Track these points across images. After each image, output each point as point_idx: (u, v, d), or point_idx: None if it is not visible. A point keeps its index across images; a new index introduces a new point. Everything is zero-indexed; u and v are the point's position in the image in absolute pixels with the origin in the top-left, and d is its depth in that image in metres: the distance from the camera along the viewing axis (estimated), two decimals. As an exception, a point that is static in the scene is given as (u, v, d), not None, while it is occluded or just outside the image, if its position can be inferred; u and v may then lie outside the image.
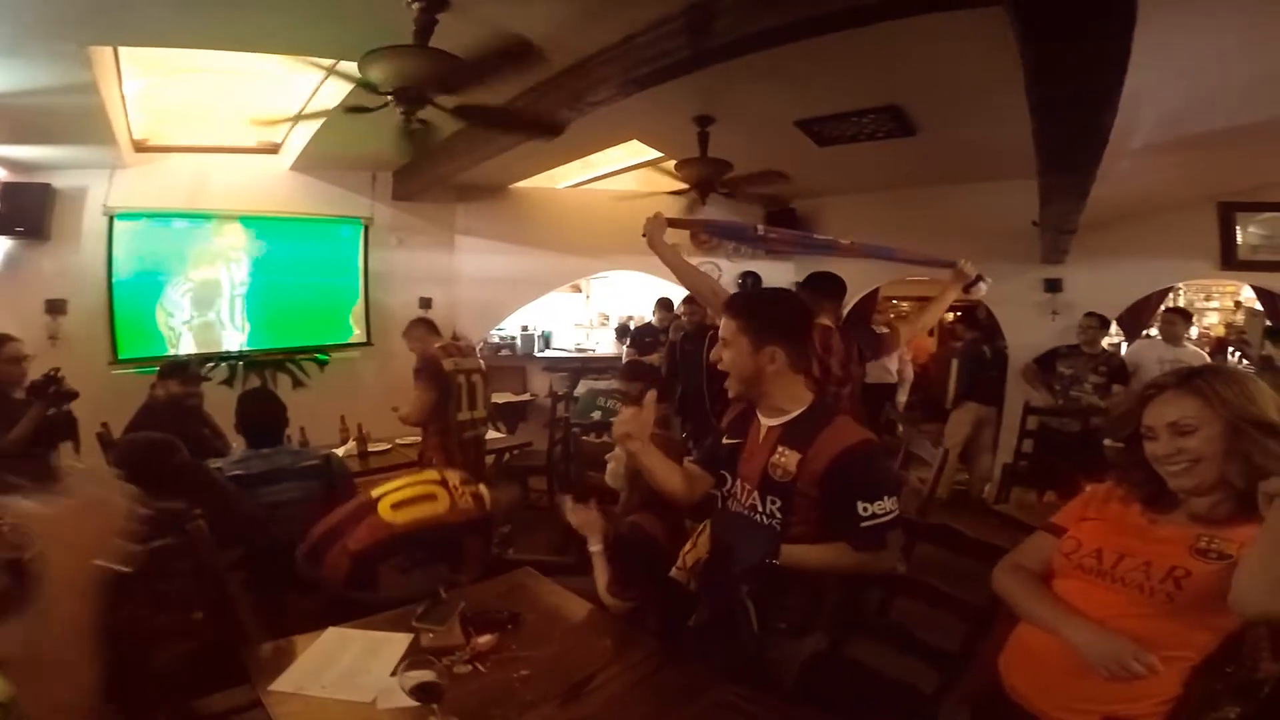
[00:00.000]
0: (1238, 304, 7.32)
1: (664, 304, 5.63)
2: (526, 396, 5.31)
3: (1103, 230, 4.91)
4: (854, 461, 1.49)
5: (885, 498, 1.48)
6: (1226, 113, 3.29)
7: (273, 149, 5.08)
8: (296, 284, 5.39)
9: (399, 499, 2.25)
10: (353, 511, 2.23)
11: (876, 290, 6.67)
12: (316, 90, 3.72)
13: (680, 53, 2.44)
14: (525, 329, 6.85)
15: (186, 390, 3.42)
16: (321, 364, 5.31)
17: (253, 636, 1.66)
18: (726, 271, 6.25)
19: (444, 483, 2.28)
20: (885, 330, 3.83)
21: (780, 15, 2.17)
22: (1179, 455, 1.16)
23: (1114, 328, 5.55)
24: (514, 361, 6.26)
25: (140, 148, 4.57)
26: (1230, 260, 5.11)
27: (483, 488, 2.36)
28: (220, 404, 3.54)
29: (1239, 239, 5.15)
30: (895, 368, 6.04)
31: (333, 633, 1.61)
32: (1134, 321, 5.59)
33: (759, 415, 1.62)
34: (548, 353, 6.75)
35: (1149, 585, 1.21)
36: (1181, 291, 7.56)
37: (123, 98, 3.79)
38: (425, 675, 1.20)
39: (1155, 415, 1.20)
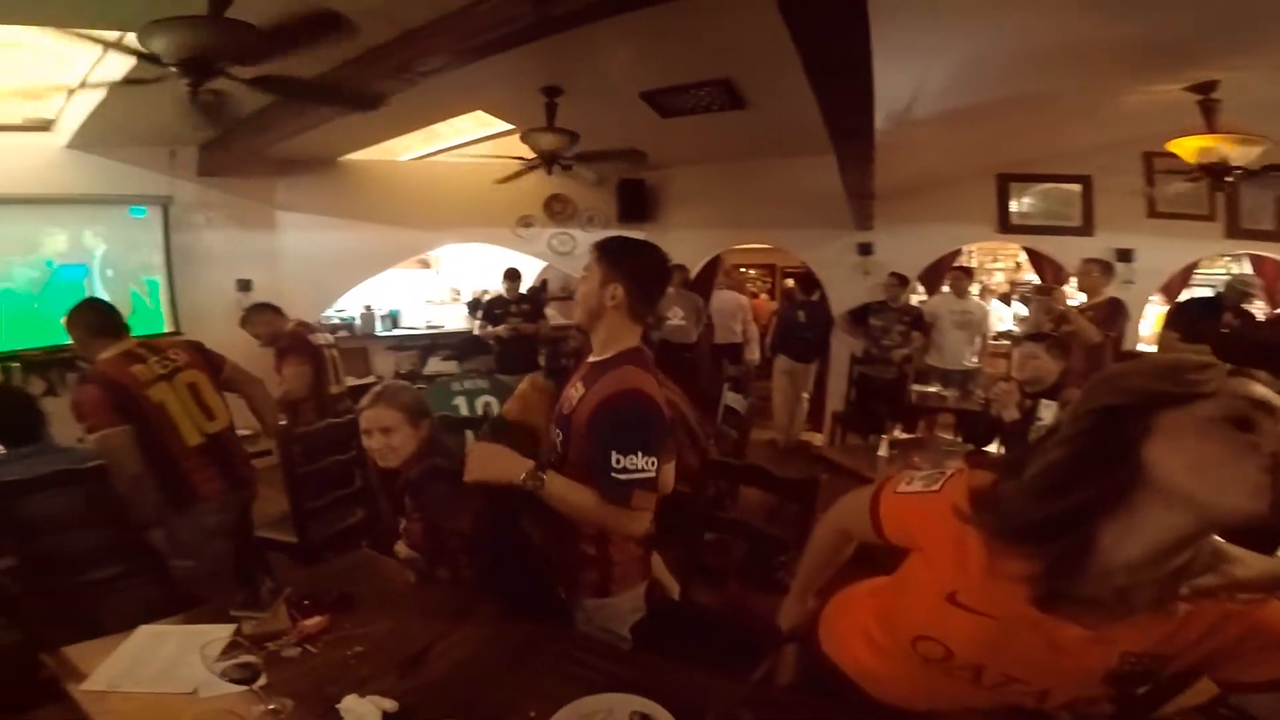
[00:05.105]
0: (1018, 264, 8.52)
1: (511, 274, 5.53)
2: (371, 379, 5.03)
3: (903, 199, 5.57)
4: (612, 409, 1.48)
5: (639, 454, 1.45)
6: (993, 86, 3.75)
7: (44, 125, 4.37)
8: (82, 273, 4.73)
9: None
10: None
11: (718, 257, 7.03)
12: (96, 64, 3.25)
13: (523, 20, 2.37)
14: (367, 309, 6.47)
15: None
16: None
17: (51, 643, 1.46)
18: (581, 242, 6.31)
19: None
20: None
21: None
22: None
23: (920, 287, 6.28)
24: (354, 343, 5.91)
25: None
26: (1006, 225, 5.97)
27: None
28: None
29: (1013, 207, 6.04)
30: (739, 328, 6.43)
31: (145, 630, 1.49)
32: (934, 279, 6.34)
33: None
34: (395, 332, 6.43)
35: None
36: (973, 253, 8.72)
37: None
38: (240, 658, 1.15)
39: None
